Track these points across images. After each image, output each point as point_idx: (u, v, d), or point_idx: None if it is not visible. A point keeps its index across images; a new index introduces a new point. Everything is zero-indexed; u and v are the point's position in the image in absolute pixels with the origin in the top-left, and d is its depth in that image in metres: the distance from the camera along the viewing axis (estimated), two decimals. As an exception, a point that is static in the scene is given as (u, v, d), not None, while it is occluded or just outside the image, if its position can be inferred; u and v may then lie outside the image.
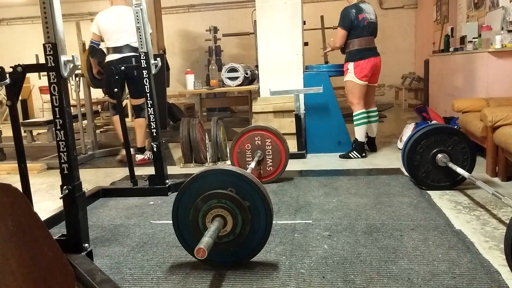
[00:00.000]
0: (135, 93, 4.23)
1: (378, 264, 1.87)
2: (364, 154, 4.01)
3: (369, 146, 4.24)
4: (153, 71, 3.10)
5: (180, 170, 3.92)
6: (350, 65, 3.93)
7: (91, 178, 3.81)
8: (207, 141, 4.04)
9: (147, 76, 3.05)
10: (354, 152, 4.00)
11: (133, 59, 3.94)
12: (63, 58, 1.78)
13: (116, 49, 4.08)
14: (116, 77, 3.18)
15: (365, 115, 3.98)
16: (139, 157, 4.29)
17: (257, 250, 1.93)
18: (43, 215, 2.50)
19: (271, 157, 3.28)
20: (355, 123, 4.00)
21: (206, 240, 1.62)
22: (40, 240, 1.51)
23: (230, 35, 8.39)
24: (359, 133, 4.00)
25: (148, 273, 1.91)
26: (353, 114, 3.99)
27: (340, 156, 4.04)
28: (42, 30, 1.76)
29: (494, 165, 3.12)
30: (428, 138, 2.86)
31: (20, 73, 1.94)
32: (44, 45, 1.77)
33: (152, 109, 3.10)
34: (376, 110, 4.23)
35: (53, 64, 1.77)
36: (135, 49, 4.02)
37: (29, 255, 1.43)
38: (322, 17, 7.98)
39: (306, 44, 4.98)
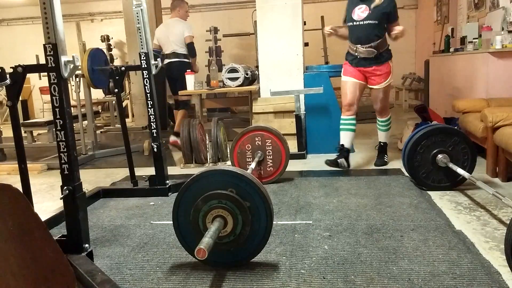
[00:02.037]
0: (178, 89, 4.84)
1: (379, 264, 1.87)
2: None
3: (347, 159, 3.63)
4: (153, 71, 3.10)
5: (180, 171, 3.92)
6: (390, 65, 3.51)
7: (91, 179, 3.81)
8: (207, 142, 4.04)
9: (147, 76, 3.05)
10: (386, 155, 3.76)
11: (177, 63, 4.91)
12: (63, 59, 1.78)
13: (165, 56, 4.98)
14: (117, 77, 3.18)
15: None
16: (172, 138, 4.85)
17: (257, 250, 1.93)
18: (44, 216, 2.50)
19: (271, 157, 3.28)
20: (386, 127, 3.68)
21: (206, 241, 1.62)
22: (40, 240, 1.51)
23: (230, 36, 8.39)
24: (388, 136, 3.76)
25: (149, 274, 1.91)
26: (386, 119, 3.65)
27: (376, 165, 3.68)
28: (43, 30, 1.76)
29: (494, 165, 3.12)
30: (428, 138, 2.86)
31: (20, 73, 1.95)
32: (44, 45, 1.77)
33: (152, 109, 3.10)
34: None
35: (53, 65, 1.77)
36: (178, 55, 4.93)
37: (30, 255, 1.43)
38: (322, 17, 7.97)
39: (306, 44, 4.98)
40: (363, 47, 3.37)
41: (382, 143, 3.75)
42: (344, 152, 3.59)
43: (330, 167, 3.58)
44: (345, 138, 3.60)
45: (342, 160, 3.55)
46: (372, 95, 3.64)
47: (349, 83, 3.53)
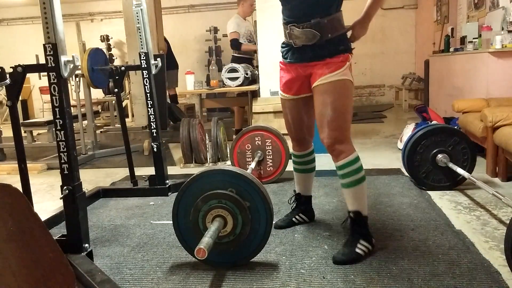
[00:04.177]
0: None
1: (378, 264, 1.87)
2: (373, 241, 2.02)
3: (307, 211, 2.41)
4: (153, 71, 3.10)
5: (180, 171, 3.92)
6: (347, 59, 1.98)
7: (91, 179, 3.81)
8: (207, 142, 4.04)
9: (147, 76, 3.05)
10: (361, 241, 1.97)
11: (232, 57, 5.42)
12: (63, 59, 1.78)
13: None
14: (117, 77, 3.18)
15: None
16: None
17: (257, 250, 1.93)
18: (43, 216, 2.50)
19: (271, 157, 3.28)
20: (352, 178, 1.98)
21: (206, 241, 1.62)
22: (40, 240, 1.51)
23: (230, 35, 8.38)
24: (363, 198, 2.02)
25: (148, 273, 1.91)
26: (346, 161, 2.03)
27: (336, 261, 1.91)
28: (42, 30, 1.76)
29: (494, 165, 3.12)
30: (428, 138, 2.86)
31: (20, 73, 1.95)
32: (44, 45, 1.77)
33: (152, 109, 3.10)
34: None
35: (53, 65, 1.77)
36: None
37: (29, 255, 1.43)
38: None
39: (306, 44, 4.97)
40: (299, 28, 1.94)
41: (351, 214, 2.01)
42: (302, 205, 2.38)
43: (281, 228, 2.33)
44: (301, 183, 2.37)
45: (296, 218, 2.37)
46: (315, 103, 2.04)
47: (287, 107, 2.19)
